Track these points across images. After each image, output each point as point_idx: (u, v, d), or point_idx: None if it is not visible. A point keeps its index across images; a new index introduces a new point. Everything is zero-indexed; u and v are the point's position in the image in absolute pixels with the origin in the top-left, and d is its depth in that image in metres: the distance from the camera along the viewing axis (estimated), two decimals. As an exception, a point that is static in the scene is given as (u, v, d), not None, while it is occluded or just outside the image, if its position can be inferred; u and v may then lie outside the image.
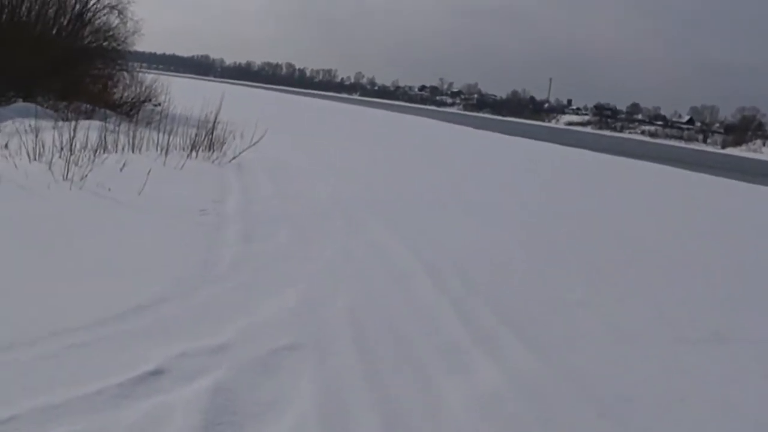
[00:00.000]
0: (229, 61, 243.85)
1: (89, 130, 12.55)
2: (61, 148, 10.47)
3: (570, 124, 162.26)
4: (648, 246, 10.97)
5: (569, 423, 4.22)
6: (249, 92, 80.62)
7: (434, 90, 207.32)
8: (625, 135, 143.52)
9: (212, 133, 14.38)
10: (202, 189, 10.24)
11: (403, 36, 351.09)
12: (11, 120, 14.32)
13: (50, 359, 4.04)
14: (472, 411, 4.19)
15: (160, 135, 13.22)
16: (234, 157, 13.56)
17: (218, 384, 4.03)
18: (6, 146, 10.67)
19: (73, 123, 11.80)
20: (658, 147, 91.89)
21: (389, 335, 5.23)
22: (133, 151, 12.56)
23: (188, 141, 13.69)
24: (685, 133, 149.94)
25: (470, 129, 56.10)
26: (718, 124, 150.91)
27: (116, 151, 12.03)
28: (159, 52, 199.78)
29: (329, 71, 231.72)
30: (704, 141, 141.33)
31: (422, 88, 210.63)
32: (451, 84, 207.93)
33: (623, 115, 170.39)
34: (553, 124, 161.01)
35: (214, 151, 13.89)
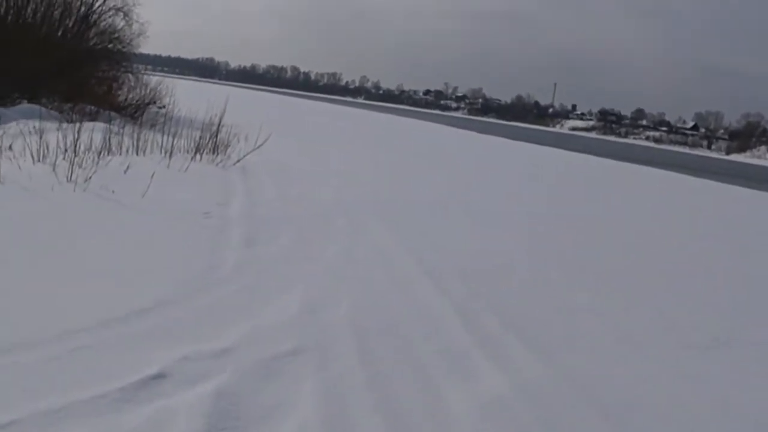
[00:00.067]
0: (233, 63, 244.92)
1: (93, 131, 12.54)
2: (65, 150, 10.45)
3: (574, 129, 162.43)
4: (652, 251, 10.93)
5: (573, 428, 4.20)
6: (253, 95, 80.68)
7: (439, 94, 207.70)
8: (630, 140, 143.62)
9: (216, 136, 14.37)
10: (206, 192, 10.22)
11: (408, 40, 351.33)
12: (15, 121, 14.32)
13: (51, 362, 4.02)
14: (475, 415, 4.17)
15: (165, 137, 13.21)
16: (238, 160, 13.55)
17: (221, 388, 4.01)
18: (10, 147, 10.65)
19: (78, 125, 11.78)
20: (662, 153, 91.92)
21: (392, 339, 5.21)
22: (137, 154, 12.54)
23: (192, 144, 13.69)
24: (690, 139, 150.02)
25: (474, 133, 56.11)
26: (722, 130, 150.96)
27: (120, 154, 12.02)
28: (164, 54, 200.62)
29: (334, 74, 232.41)
30: (709, 147, 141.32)
31: (427, 92, 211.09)
32: (455, 88, 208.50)
33: (628, 121, 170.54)
34: (557, 129, 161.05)
35: (218, 154, 13.88)
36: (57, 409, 3.53)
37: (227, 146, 14.35)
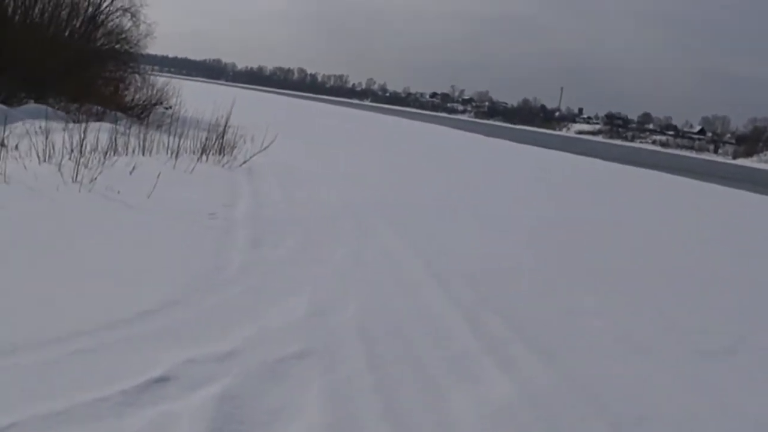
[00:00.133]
0: (240, 65, 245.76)
1: (100, 132, 12.54)
2: (71, 150, 10.43)
3: (581, 132, 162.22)
4: (658, 255, 10.87)
5: (582, 436, 4.13)
6: (260, 97, 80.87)
7: (445, 97, 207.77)
8: (636, 144, 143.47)
9: (223, 137, 14.35)
10: (212, 193, 10.19)
11: (415, 43, 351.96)
12: (22, 121, 14.30)
13: (53, 365, 3.97)
14: (483, 422, 4.11)
15: (171, 138, 13.19)
16: (244, 162, 13.52)
17: (225, 391, 3.96)
18: (16, 147, 10.64)
19: (84, 125, 11.77)
20: (669, 157, 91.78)
21: (398, 343, 5.16)
22: (143, 154, 12.53)
23: (199, 144, 13.66)
24: (697, 143, 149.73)
25: (481, 136, 56.08)
26: (729, 135, 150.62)
27: (126, 154, 12.00)
28: (171, 55, 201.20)
29: (341, 77, 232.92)
30: (715, 151, 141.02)
31: (433, 95, 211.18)
32: (462, 91, 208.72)
33: (634, 125, 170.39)
34: (563, 132, 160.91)
35: (224, 155, 13.86)
36: (58, 412, 3.48)
37: (233, 147, 14.34)
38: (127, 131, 13.57)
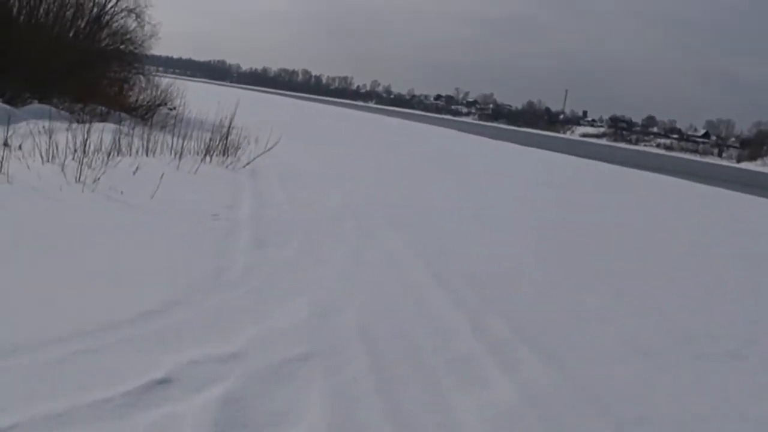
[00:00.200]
0: (245, 66, 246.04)
1: (103, 132, 12.53)
2: (75, 150, 10.42)
3: (585, 135, 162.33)
4: (662, 258, 10.86)
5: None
6: (264, 98, 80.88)
7: (450, 99, 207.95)
8: (640, 148, 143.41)
9: (227, 138, 14.35)
10: (215, 194, 10.18)
11: (420, 45, 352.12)
12: (26, 121, 14.31)
13: (54, 365, 3.95)
14: (485, 423, 4.10)
15: (175, 139, 13.18)
16: (248, 163, 13.52)
17: (229, 393, 3.94)
18: (20, 147, 10.63)
19: (88, 125, 11.76)
20: (673, 160, 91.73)
21: (401, 345, 5.14)
22: (146, 155, 12.52)
23: (202, 145, 13.66)
24: (701, 146, 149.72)
25: (485, 139, 56.05)
26: (733, 139, 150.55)
27: (130, 155, 11.99)
28: (175, 56, 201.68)
29: (345, 78, 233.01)
30: (719, 155, 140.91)
31: (438, 97, 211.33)
32: (466, 93, 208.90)
33: (638, 128, 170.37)
34: (568, 135, 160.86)
35: (228, 156, 13.84)
36: (59, 413, 3.46)
37: (237, 148, 14.33)
38: (131, 132, 13.57)
